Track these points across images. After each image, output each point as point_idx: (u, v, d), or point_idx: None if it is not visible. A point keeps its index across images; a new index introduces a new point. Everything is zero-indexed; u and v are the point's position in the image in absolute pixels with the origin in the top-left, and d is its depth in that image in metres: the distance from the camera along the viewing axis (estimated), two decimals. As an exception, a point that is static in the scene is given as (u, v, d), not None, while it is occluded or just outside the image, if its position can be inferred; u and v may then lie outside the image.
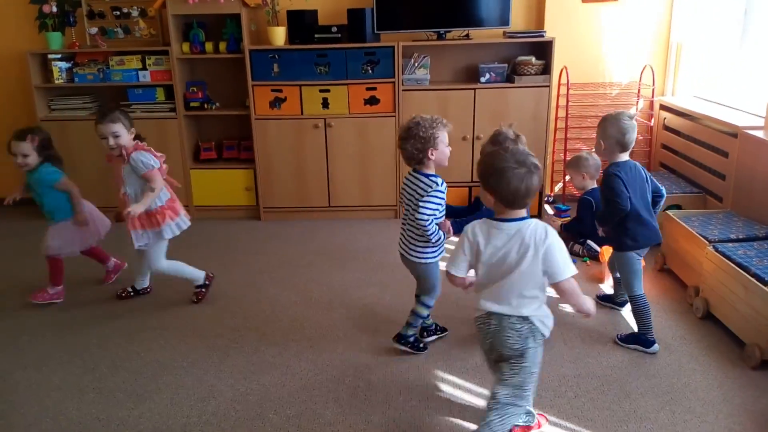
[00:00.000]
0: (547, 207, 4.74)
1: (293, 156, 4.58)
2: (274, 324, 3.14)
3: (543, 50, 4.40)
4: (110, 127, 3.10)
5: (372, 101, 4.43)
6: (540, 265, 1.97)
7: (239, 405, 2.49)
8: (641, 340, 2.82)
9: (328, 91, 4.43)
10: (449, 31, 4.48)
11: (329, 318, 3.18)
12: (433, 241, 2.61)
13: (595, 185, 3.93)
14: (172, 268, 3.36)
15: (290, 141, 4.54)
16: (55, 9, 4.57)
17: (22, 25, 4.79)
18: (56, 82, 4.63)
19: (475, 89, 4.40)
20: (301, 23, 4.40)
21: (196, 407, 2.48)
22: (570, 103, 4.57)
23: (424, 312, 2.82)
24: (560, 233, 4.01)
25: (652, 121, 4.69)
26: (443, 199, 2.60)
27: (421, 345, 2.86)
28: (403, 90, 4.40)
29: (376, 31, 4.47)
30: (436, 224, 2.59)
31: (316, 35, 4.41)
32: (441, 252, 2.74)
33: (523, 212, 2.03)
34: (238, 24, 4.41)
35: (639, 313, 2.83)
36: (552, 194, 4.89)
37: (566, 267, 1.98)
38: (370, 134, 4.48)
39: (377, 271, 3.72)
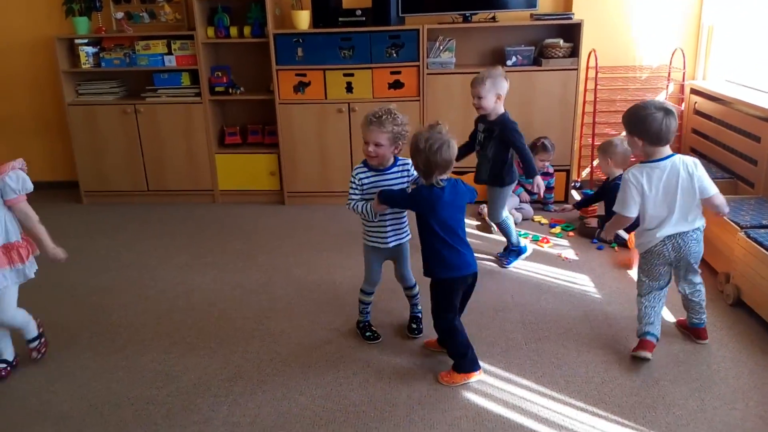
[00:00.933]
0: (573, 192, 4.68)
1: (317, 140, 4.57)
2: (300, 307, 3.16)
3: (571, 33, 4.33)
4: None
5: (396, 85, 4.40)
6: (696, 186, 2.48)
7: (266, 385, 2.51)
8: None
9: (352, 75, 4.40)
10: (475, 14, 4.42)
11: (354, 301, 3.18)
12: (358, 212, 2.61)
13: (621, 172, 3.86)
14: (24, 318, 2.67)
15: (314, 125, 4.54)
16: (81, -7, 4.61)
17: (49, 11, 4.83)
18: (83, 66, 4.66)
19: (501, 72, 4.35)
20: (325, 7, 4.38)
21: (224, 387, 2.50)
22: (598, 87, 4.49)
23: (363, 298, 2.84)
24: (587, 225, 3.96)
25: (683, 105, 4.60)
26: (353, 183, 2.62)
27: (367, 334, 2.83)
28: (427, 74, 4.36)
29: (400, 14, 4.43)
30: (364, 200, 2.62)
31: (341, 19, 4.38)
32: (377, 240, 2.68)
33: (669, 149, 2.49)
34: (263, 8, 4.40)
35: None
36: (579, 179, 4.83)
37: (711, 184, 2.52)
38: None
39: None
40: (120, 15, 4.73)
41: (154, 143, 4.73)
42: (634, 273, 3.41)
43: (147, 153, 4.76)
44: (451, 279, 2.48)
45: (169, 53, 4.59)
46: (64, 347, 2.84)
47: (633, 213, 2.53)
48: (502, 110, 3.29)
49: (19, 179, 2.45)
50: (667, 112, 2.41)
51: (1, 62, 5.03)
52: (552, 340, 2.78)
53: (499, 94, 3.24)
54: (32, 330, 2.70)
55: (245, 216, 4.52)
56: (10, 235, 2.49)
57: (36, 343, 2.71)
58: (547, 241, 3.85)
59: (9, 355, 2.67)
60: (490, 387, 2.46)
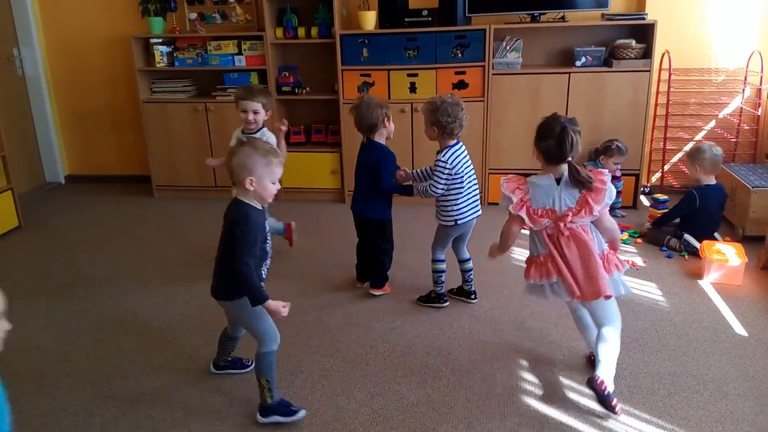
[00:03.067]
0: (642, 198, 4.54)
1: (380, 140, 4.59)
2: (357, 305, 3.19)
3: (644, 33, 4.20)
4: None
5: (460, 85, 4.37)
6: None
7: (325, 380, 2.54)
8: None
9: (416, 75, 4.41)
10: (544, 13, 4.35)
11: (410, 300, 3.20)
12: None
13: (713, 180, 3.72)
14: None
15: (378, 125, 4.56)
16: (157, -6, 4.79)
17: (125, 11, 5.05)
18: (158, 65, 4.84)
19: (569, 73, 4.26)
20: (392, 7, 4.40)
21: (285, 380, 2.55)
22: (671, 89, 4.34)
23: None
24: (652, 230, 3.85)
25: (760, 110, 4.40)
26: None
27: (445, 299, 3.16)
28: (493, 74, 4.32)
29: (467, 14, 4.40)
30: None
31: (407, 19, 4.40)
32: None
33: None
34: (330, 9, 4.46)
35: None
36: (648, 184, 4.68)
37: None
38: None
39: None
40: (193, 15, 4.89)
41: (222, 140, 4.86)
42: (704, 283, 3.29)
43: (215, 150, 4.90)
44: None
45: (239, 53, 4.71)
46: (134, 335, 2.96)
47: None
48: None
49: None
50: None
51: (80, 60, 5.29)
52: (616, 348, 2.71)
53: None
54: None
55: (307, 213, 4.58)
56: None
57: None
58: (613, 247, 3.75)
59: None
60: (551, 394, 2.43)
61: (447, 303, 3.12)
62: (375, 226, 3.18)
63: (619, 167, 4.21)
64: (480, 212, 3.05)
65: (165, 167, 5.03)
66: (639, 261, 3.58)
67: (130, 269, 3.71)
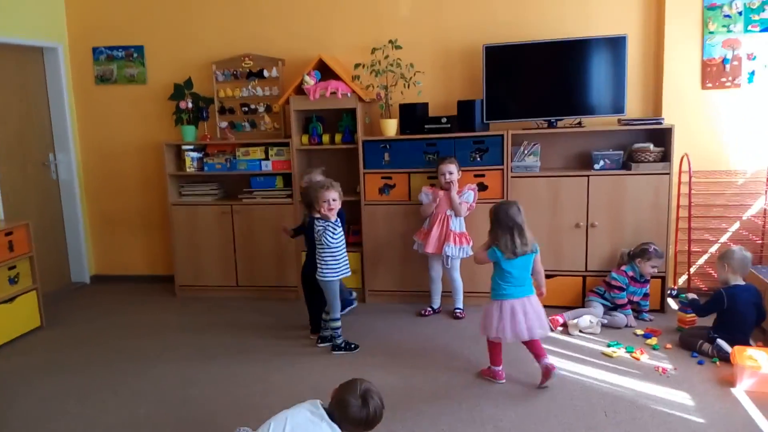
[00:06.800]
0: (670, 300, 4.42)
1: (400, 240, 4.62)
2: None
3: (661, 137, 4.26)
4: None
5: (480, 187, 4.42)
6: None
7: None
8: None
9: (436, 177, 4.48)
10: (560, 119, 4.46)
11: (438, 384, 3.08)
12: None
13: (741, 281, 3.63)
14: None
15: (397, 225, 4.61)
16: (190, 105, 5.04)
17: (160, 119, 5.32)
18: (188, 170, 5.02)
19: (588, 176, 4.30)
20: (412, 115, 4.56)
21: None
22: (693, 192, 4.33)
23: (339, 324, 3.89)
24: (687, 332, 3.75)
25: (786, 211, 4.34)
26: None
27: (352, 345, 3.89)
28: (512, 177, 4.38)
29: (485, 121, 4.53)
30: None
31: (427, 126, 4.54)
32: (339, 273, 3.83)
33: None
34: (354, 117, 4.64)
35: None
36: (676, 287, 4.56)
37: None
38: (478, 220, 4.41)
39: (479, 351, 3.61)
40: (224, 124, 5.12)
41: (246, 241, 4.95)
42: (737, 391, 3.12)
43: (239, 250, 4.97)
44: None
45: (266, 159, 4.87)
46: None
47: None
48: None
49: None
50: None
51: (113, 164, 5.54)
52: (647, 462, 2.55)
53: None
54: None
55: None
56: None
57: None
58: (642, 352, 3.62)
59: None
60: None
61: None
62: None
63: (656, 270, 4.13)
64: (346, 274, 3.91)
65: (189, 267, 5.09)
66: (669, 367, 3.43)
67: (144, 373, 3.66)
